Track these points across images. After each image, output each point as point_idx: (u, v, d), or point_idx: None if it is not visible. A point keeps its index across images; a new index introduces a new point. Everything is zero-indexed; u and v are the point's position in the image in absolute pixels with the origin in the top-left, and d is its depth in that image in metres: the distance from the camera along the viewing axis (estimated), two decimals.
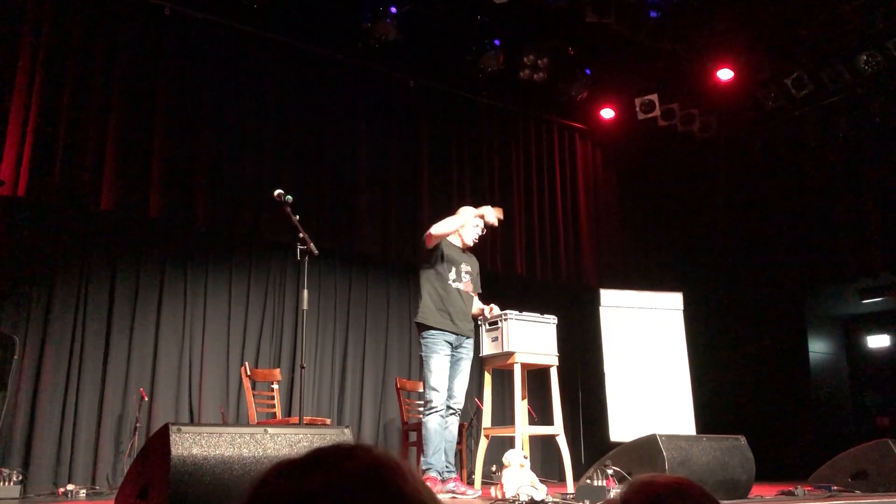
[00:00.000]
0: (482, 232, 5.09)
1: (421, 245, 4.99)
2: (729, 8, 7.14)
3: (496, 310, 4.92)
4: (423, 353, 4.84)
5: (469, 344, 4.97)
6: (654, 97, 8.22)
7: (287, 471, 0.76)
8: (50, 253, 6.04)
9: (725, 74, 7.87)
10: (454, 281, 4.91)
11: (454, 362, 4.88)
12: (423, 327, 4.83)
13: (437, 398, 4.73)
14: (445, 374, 4.79)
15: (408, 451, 4.97)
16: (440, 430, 4.72)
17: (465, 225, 5.01)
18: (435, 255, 4.92)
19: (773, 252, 8.84)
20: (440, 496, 4.51)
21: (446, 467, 4.76)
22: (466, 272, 5.01)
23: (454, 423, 4.87)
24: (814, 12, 7.07)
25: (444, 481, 4.68)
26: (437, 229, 4.84)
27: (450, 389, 4.84)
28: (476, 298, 5.10)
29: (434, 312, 4.82)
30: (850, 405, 9.52)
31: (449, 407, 4.82)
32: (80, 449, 5.88)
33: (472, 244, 5.09)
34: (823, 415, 8.69)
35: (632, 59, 7.89)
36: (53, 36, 5.80)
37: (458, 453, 6.10)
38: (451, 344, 4.85)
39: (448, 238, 5.00)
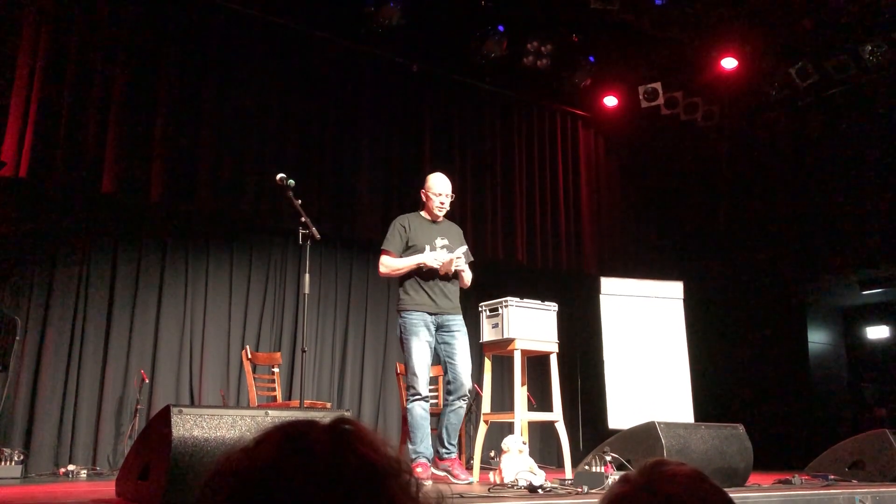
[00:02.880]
0: (450, 198, 4.85)
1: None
2: None
3: (458, 262, 4.68)
4: (401, 336, 4.64)
5: (457, 322, 4.72)
6: (658, 85, 8.19)
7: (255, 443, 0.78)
8: (51, 235, 6.05)
9: (729, 63, 7.84)
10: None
11: (445, 343, 4.67)
12: (401, 309, 4.67)
13: (419, 383, 4.52)
14: (425, 359, 4.57)
15: (407, 437, 4.96)
16: (426, 415, 4.55)
17: (429, 197, 4.83)
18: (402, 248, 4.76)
19: (774, 242, 8.84)
20: (435, 472, 4.47)
21: (447, 449, 4.61)
22: (442, 247, 4.76)
23: (461, 406, 4.64)
24: (819, 2, 7.03)
25: (441, 459, 4.58)
26: (387, 270, 4.74)
27: (450, 374, 4.65)
28: (467, 269, 4.84)
29: (409, 294, 4.65)
30: (849, 395, 9.54)
31: (450, 392, 4.65)
32: (81, 430, 5.92)
33: (441, 215, 4.86)
34: (822, 405, 8.71)
35: (635, 46, 7.86)
36: (56, 19, 5.78)
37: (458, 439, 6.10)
38: (431, 326, 4.64)
39: (420, 214, 4.89)
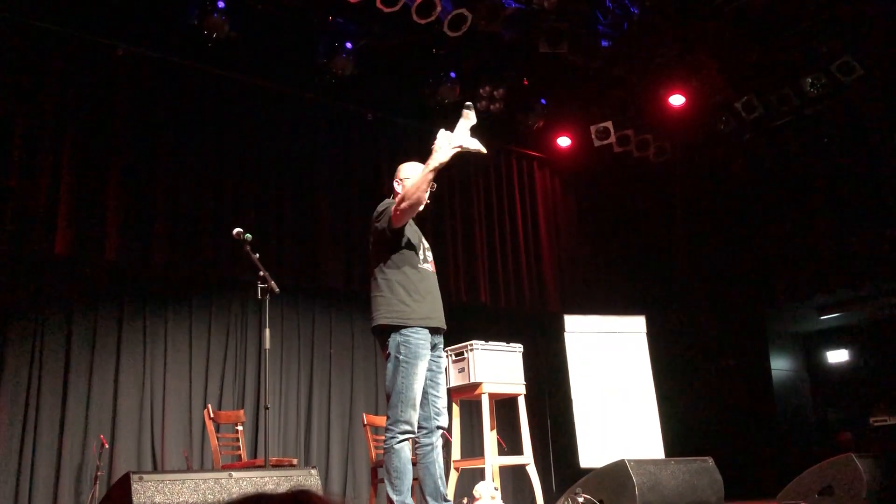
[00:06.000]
0: (433, 188, 3.95)
1: (381, 231, 3.85)
2: (678, 35, 7.31)
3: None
4: (400, 357, 3.67)
5: (441, 343, 3.96)
6: (609, 124, 8.34)
7: None
8: (2, 300, 5.89)
9: (677, 100, 8.04)
10: (423, 262, 3.88)
11: (432, 369, 3.84)
12: (401, 325, 3.71)
13: (415, 417, 3.68)
14: (421, 388, 3.73)
15: (377, 490, 4.86)
16: (410, 459, 3.74)
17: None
18: (398, 237, 3.83)
19: (732, 272, 8.99)
20: None
21: (444, 499, 3.80)
22: (427, 249, 4.01)
23: (440, 444, 3.84)
24: (760, 38, 7.27)
25: None
26: (408, 199, 3.79)
27: (433, 405, 3.82)
28: None
29: (409, 305, 3.73)
30: (814, 421, 9.66)
31: (439, 427, 3.82)
32: (39, 500, 5.70)
33: (422, 207, 3.93)
34: (788, 432, 8.79)
35: (585, 87, 8.03)
36: (3, 78, 5.71)
37: None
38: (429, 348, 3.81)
39: None
